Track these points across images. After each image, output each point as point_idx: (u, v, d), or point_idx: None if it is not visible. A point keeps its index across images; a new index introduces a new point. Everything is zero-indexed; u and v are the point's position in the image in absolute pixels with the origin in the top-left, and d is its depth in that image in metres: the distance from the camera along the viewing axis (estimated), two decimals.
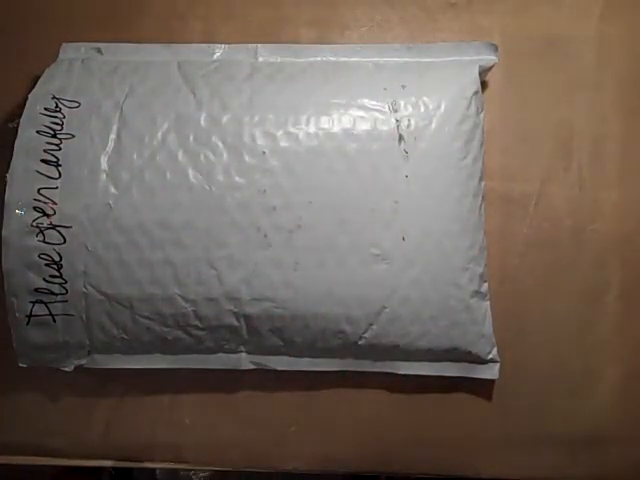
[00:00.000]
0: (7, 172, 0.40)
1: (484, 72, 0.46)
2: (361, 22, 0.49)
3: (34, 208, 0.40)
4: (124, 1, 0.49)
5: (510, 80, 0.48)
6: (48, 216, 0.40)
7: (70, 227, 0.40)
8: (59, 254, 0.40)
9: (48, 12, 0.48)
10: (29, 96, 0.41)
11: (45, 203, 0.40)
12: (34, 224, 0.40)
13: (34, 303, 0.40)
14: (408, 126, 0.42)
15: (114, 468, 0.46)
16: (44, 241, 0.40)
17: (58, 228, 0.40)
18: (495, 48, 0.45)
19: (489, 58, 0.45)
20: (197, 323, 0.42)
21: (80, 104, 0.41)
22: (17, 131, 0.41)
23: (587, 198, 0.47)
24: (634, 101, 0.48)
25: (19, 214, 0.40)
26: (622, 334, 0.46)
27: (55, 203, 0.40)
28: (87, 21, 0.48)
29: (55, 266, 0.40)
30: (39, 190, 0.40)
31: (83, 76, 0.43)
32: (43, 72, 0.43)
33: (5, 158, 0.41)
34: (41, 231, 0.40)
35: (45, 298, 0.40)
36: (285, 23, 0.49)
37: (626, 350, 0.46)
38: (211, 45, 0.46)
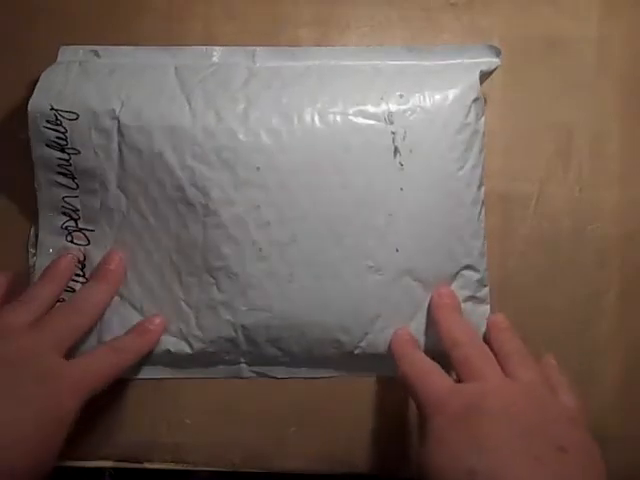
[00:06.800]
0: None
1: (485, 76, 0.44)
2: (361, 22, 0.48)
3: (62, 213, 0.43)
4: (124, 1, 0.48)
5: (510, 80, 0.48)
6: (75, 220, 0.43)
7: (93, 230, 0.43)
8: (84, 254, 0.43)
9: (48, 12, 0.48)
10: (29, 106, 0.41)
11: (70, 209, 0.43)
12: (63, 227, 0.43)
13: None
14: (404, 138, 0.41)
15: (114, 468, 0.46)
16: (72, 242, 0.43)
17: (83, 231, 0.43)
18: (498, 52, 0.44)
19: (491, 61, 0.44)
20: (198, 333, 0.42)
21: (78, 116, 0.41)
22: (23, 140, 0.42)
23: (587, 198, 0.47)
24: (634, 101, 0.48)
25: (51, 217, 0.43)
26: (622, 334, 0.46)
27: (78, 209, 0.43)
28: (87, 21, 0.48)
29: (79, 265, 0.43)
30: (63, 198, 0.43)
31: (80, 80, 0.42)
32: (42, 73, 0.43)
33: (5, 158, 0.41)
34: (69, 233, 0.43)
35: (66, 296, 0.42)
36: (285, 23, 0.48)
37: (626, 350, 0.46)
38: (209, 48, 0.45)
